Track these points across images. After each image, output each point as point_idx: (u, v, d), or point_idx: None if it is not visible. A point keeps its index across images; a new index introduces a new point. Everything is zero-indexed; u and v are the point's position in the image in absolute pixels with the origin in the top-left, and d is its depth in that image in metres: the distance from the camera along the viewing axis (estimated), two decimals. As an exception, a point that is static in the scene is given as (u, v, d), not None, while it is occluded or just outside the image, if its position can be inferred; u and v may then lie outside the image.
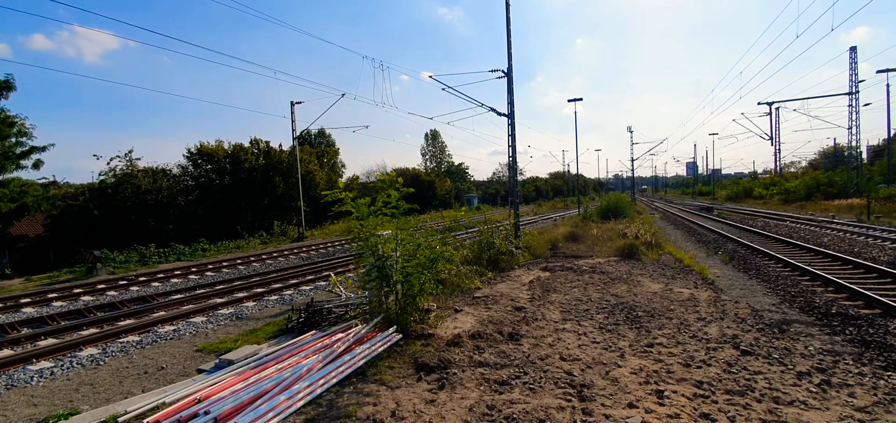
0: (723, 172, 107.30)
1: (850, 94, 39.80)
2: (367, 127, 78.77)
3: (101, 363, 6.32)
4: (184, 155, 30.03)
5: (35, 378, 5.81)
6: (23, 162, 19.73)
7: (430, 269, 6.76)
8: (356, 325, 6.55)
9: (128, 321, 8.51)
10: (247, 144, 32.17)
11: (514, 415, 4.04)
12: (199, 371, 5.68)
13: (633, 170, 60.68)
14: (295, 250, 20.80)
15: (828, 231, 18.62)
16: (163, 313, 9.04)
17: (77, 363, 6.32)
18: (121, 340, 7.39)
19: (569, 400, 4.31)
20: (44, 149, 20.00)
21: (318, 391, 4.63)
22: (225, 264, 16.82)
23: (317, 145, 50.56)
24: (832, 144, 61.27)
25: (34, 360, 6.52)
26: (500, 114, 16.96)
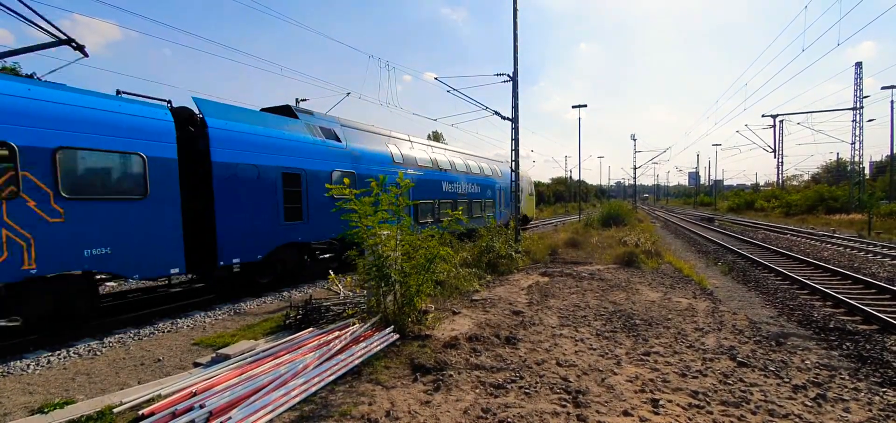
0: (725, 183, 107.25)
1: (854, 109, 39.78)
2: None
3: (99, 353, 6.33)
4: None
5: (31, 366, 5.82)
6: None
7: (427, 270, 6.76)
8: (354, 324, 6.55)
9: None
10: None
11: (509, 419, 4.05)
12: (196, 365, 5.69)
13: (635, 178, 60.63)
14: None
15: (828, 246, 18.59)
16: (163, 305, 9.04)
17: (74, 353, 6.33)
18: (118, 331, 7.41)
19: (564, 406, 4.32)
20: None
21: (314, 388, 4.64)
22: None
23: (319, 143, 50.61)
24: (835, 158, 61.30)
25: (31, 347, 6.54)
26: (503, 118, 16.98)
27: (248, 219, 9.55)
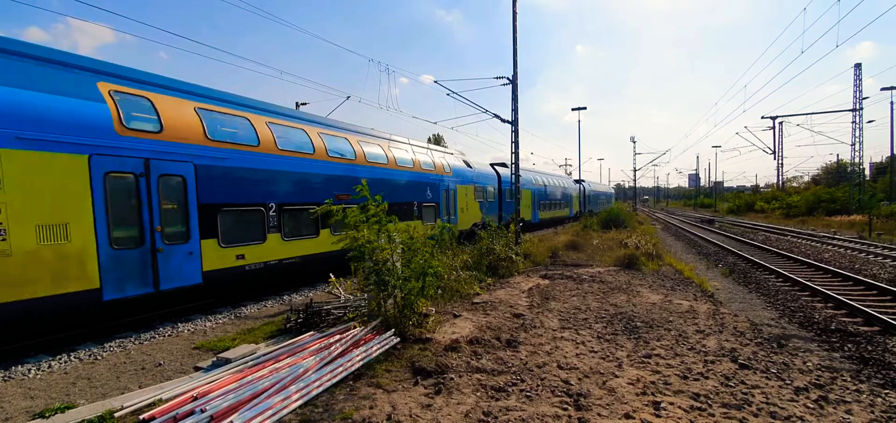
0: (725, 184, 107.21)
1: (853, 110, 39.82)
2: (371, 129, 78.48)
3: (99, 357, 6.32)
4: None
5: (32, 370, 5.81)
6: None
7: (422, 277, 6.71)
8: (354, 327, 6.55)
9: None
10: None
11: (510, 422, 4.04)
12: (197, 369, 5.68)
13: (635, 180, 60.64)
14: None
15: (829, 247, 18.59)
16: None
17: (75, 357, 6.32)
18: (119, 335, 7.40)
19: (565, 409, 4.31)
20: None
21: (315, 392, 4.63)
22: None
23: (320, 146, 50.68)
24: (835, 159, 61.30)
25: (32, 352, 6.54)
26: (503, 121, 17.00)
27: None
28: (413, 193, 14.48)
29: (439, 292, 7.20)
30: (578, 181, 44.13)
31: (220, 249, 8.89)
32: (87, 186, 6.89)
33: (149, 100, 8.12)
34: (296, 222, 10.66)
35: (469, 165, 20.51)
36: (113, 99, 7.49)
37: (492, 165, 24.67)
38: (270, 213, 9.99)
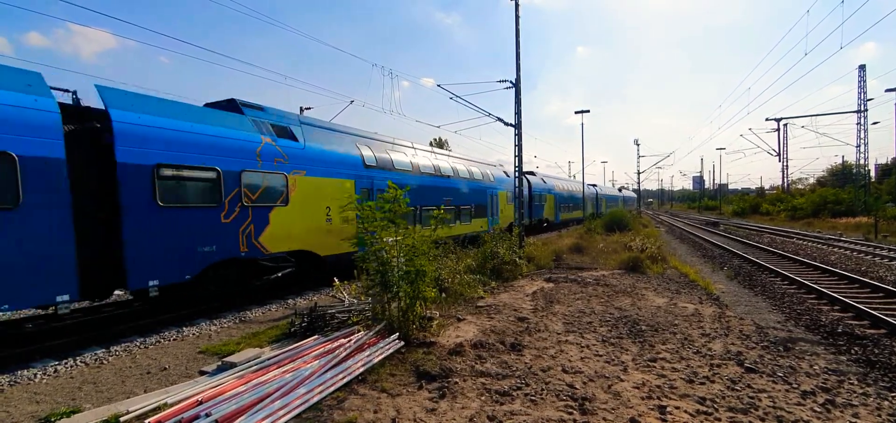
0: (729, 187, 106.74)
1: (858, 112, 39.60)
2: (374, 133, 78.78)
3: (105, 362, 6.35)
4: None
5: (38, 375, 5.84)
6: None
7: (413, 282, 6.73)
8: (358, 331, 6.55)
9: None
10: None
11: (515, 426, 4.03)
12: (202, 373, 5.69)
13: (639, 182, 60.46)
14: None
15: (834, 249, 18.46)
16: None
17: (80, 361, 6.35)
18: (124, 340, 7.43)
19: (570, 413, 4.29)
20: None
21: (319, 396, 4.63)
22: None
23: (323, 151, 50.98)
24: (840, 161, 60.94)
25: (38, 356, 6.57)
26: (507, 124, 17.01)
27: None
28: (581, 201, 39.11)
29: (442, 294, 7.20)
30: (620, 189, 72.85)
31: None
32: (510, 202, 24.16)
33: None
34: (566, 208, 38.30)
35: (590, 186, 42.82)
36: (544, 187, 33.38)
37: (590, 184, 47.01)
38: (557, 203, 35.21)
